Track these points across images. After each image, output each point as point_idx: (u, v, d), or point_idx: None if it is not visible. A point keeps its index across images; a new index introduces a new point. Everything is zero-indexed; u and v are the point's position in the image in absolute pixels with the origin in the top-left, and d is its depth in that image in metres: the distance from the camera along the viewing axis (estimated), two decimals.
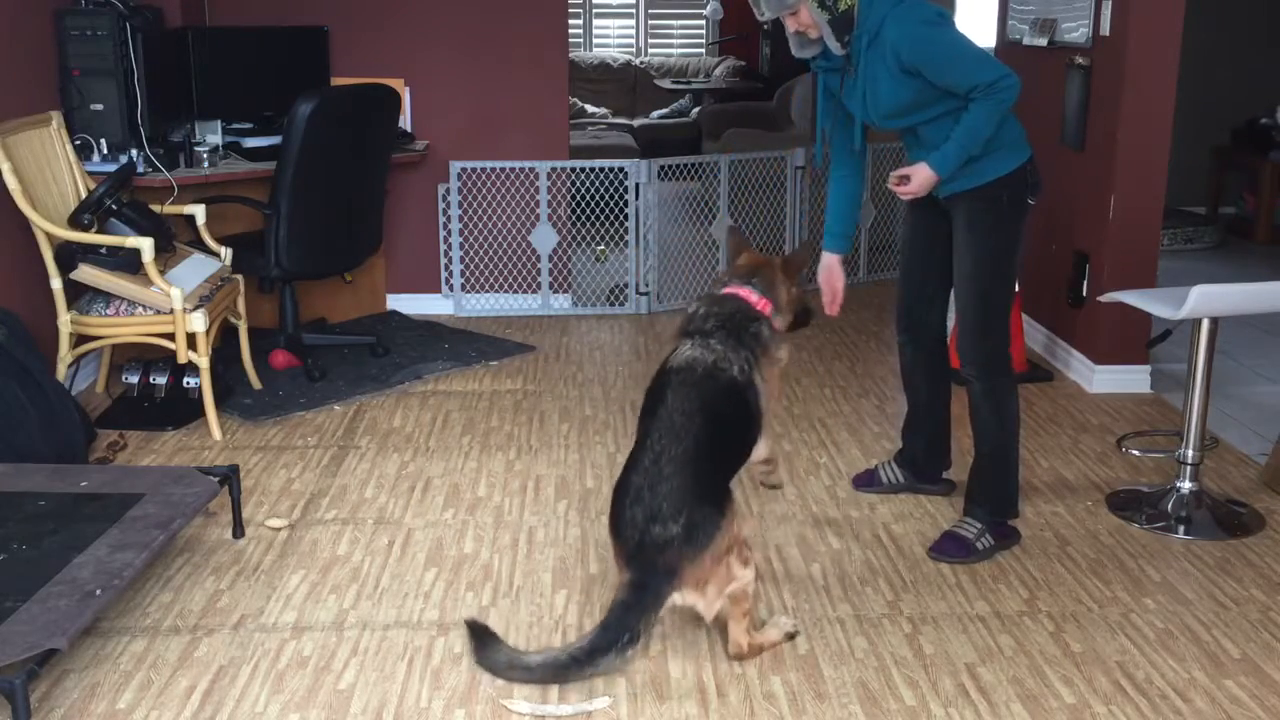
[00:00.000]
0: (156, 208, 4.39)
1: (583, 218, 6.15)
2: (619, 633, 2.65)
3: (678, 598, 2.71)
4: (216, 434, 4.21)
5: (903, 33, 3.08)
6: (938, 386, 3.67)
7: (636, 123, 9.97)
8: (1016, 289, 4.71)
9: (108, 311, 4.12)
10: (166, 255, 4.23)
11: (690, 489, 2.70)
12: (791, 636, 2.92)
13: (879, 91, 3.19)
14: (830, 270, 3.53)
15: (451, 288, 5.93)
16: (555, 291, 5.95)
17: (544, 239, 5.85)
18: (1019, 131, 3.27)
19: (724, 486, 2.82)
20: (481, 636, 2.79)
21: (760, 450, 3.04)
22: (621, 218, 5.97)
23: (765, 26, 3.35)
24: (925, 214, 3.45)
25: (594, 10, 11.12)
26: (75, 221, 4.09)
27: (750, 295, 2.96)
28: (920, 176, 3.19)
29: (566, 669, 2.68)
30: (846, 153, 3.50)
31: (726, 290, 2.99)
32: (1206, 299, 3.38)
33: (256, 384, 4.70)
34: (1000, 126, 3.15)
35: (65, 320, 4.13)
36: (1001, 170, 3.23)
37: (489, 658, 2.76)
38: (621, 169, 5.92)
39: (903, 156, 3.46)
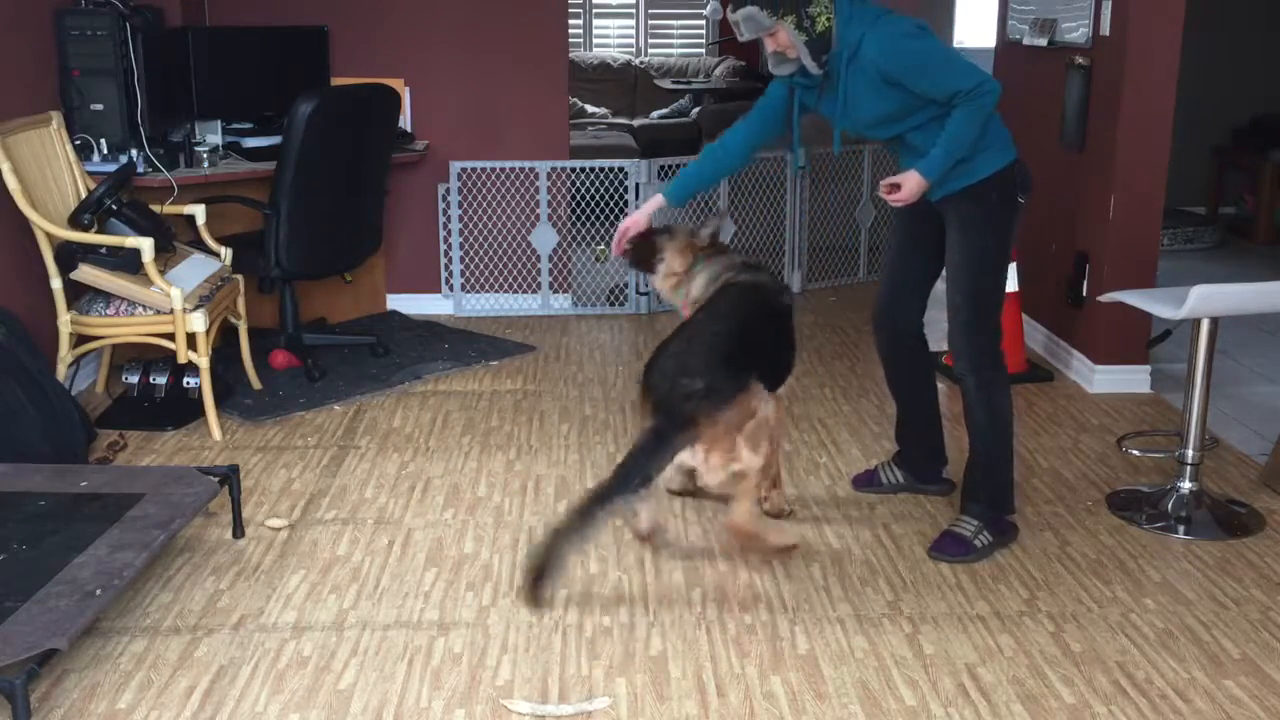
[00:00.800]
0: (156, 208, 4.39)
1: (583, 218, 6.15)
2: (632, 474, 2.96)
3: (687, 454, 3.05)
4: (216, 434, 4.21)
5: (883, 48, 3.14)
6: (921, 384, 3.70)
7: (636, 123, 9.96)
8: (1016, 289, 4.75)
9: (108, 311, 4.12)
10: (166, 255, 4.23)
11: (720, 357, 3.12)
12: (790, 549, 3.28)
13: (861, 106, 3.24)
14: (645, 211, 3.54)
15: (451, 288, 5.93)
16: (555, 291, 5.95)
17: (544, 239, 5.85)
18: (1005, 133, 3.32)
19: (750, 376, 3.15)
20: (537, 578, 2.94)
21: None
22: (621, 218, 5.95)
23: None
24: (912, 217, 3.48)
25: (594, 10, 11.11)
26: (75, 221, 4.09)
27: None
28: (911, 183, 3.23)
29: (589, 513, 2.91)
30: (758, 130, 3.50)
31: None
32: (1206, 299, 3.38)
33: (256, 384, 4.70)
34: (985, 128, 3.20)
35: (65, 320, 4.13)
36: (989, 170, 3.27)
37: (546, 574, 2.92)
38: (621, 169, 5.92)
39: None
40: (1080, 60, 4.82)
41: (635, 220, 3.57)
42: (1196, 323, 3.55)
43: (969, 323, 3.36)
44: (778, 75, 3.35)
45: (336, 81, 5.51)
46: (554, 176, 5.81)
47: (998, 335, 3.41)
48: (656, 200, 3.56)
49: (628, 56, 10.85)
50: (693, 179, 3.58)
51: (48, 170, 4.25)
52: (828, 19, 3.16)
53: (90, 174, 4.44)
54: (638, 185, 5.84)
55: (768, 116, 3.48)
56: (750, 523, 3.20)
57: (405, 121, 5.66)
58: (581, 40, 10.98)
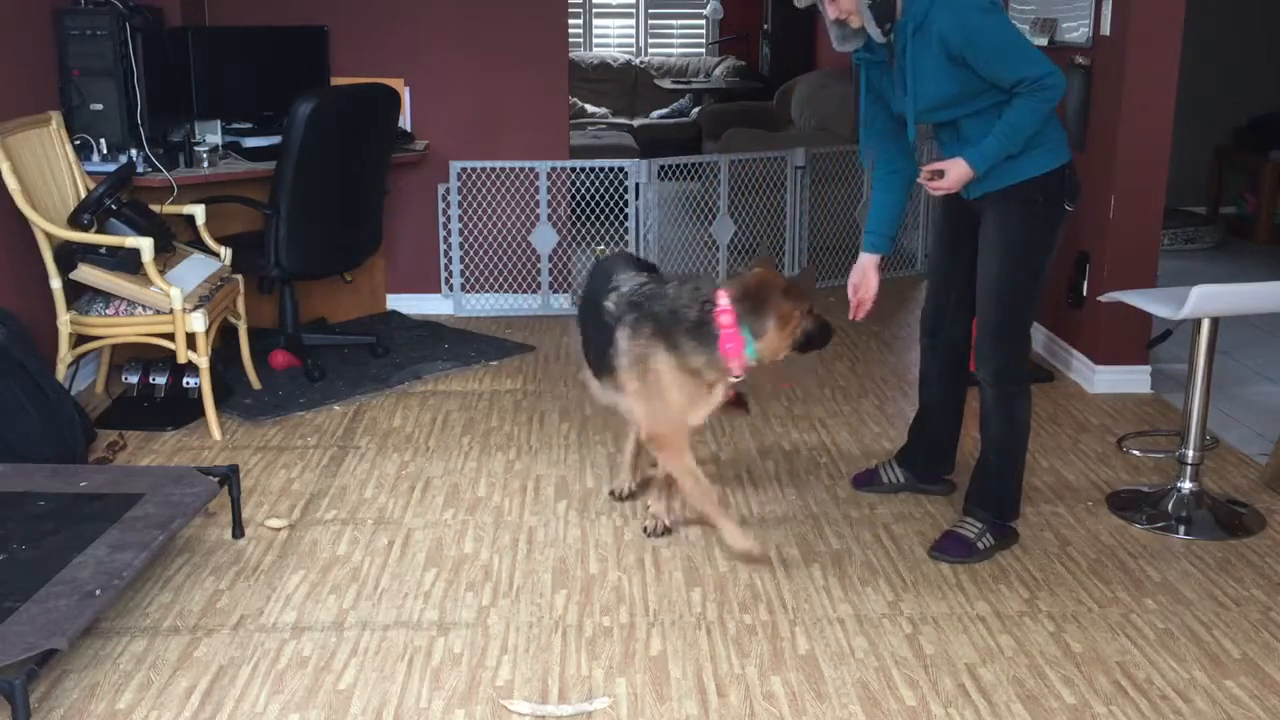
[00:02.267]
0: (156, 208, 4.39)
1: (583, 218, 6.15)
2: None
3: None
4: (216, 434, 4.21)
5: (954, 20, 2.98)
6: (953, 394, 3.62)
7: (636, 123, 9.97)
8: None
9: (107, 311, 4.12)
10: (166, 255, 4.23)
11: None
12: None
13: (923, 82, 3.08)
14: (863, 271, 3.42)
15: (451, 288, 5.93)
16: (555, 291, 5.95)
17: (544, 239, 5.85)
18: (1060, 133, 3.17)
19: None
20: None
21: None
22: (621, 218, 5.97)
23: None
24: (953, 215, 3.37)
25: (594, 10, 11.12)
26: (75, 221, 4.09)
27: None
28: (956, 171, 3.09)
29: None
30: (889, 151, 3.37)
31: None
32: (1206, 299, 3.38)
33: (256, 384, 4.69)
34: (1043, 124, 3.06)
35: (65, 320, 4.13)
36: (1037, 170, 3.13)
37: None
38: (621, 169, 5.92)
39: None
40: (1080, 60, 4.82)
41: (868, 283, 3.39)
42: (1197, 323, 3.55)
43: (997, 332, 3.25)
44: (843, 51, 3.17)
45: (336, 81, 5.51)
46: (554, 176, 5.81)
47: (1025, 347, 3.31)
48: (870, 259, 3.39)
49: (628, 56, 10.86)
50: (872, 215, 3.40)
51: (47, 170, 4.25)
52: None
53: (90, 174, 4.44)
54: (638, 185, 5.83)
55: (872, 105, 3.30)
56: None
57: (405, 121, 5.66)
58: (581, 40, 10.99)
